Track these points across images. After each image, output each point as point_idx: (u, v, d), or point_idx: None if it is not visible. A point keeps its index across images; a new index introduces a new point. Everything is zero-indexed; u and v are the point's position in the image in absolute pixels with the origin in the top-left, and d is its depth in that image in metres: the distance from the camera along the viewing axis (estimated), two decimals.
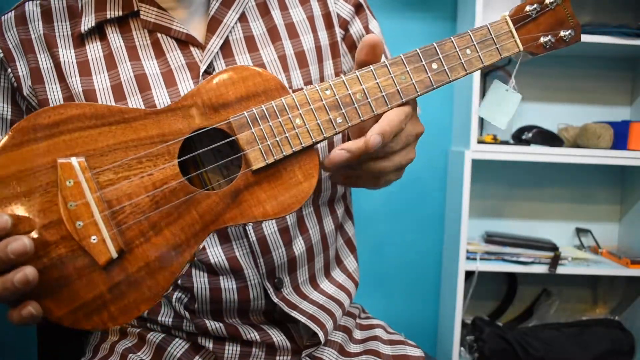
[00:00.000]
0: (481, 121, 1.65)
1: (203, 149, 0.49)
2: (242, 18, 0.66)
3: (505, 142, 1.52)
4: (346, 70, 0.73)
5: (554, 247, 1.55)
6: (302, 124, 0.47)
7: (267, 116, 0.47)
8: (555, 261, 1.46)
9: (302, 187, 0.48)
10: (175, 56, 0.63)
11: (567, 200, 1.71)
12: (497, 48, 0.52)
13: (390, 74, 0.49)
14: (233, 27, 0.65)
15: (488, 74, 1.63)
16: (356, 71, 0.49)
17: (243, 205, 0.47)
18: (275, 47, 0.66)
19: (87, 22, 0.63)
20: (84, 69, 0.63)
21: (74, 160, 0.44)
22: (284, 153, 0.47)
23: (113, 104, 0.62)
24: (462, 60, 0.51)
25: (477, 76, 1.43)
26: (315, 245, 0.69)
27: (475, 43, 0.51)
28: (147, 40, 0.63)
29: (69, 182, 0.44)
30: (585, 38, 1.42)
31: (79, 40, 0.63)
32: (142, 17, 0.63)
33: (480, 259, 1.47)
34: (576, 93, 1.68)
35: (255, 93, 0.47)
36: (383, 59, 0.50)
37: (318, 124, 0.48)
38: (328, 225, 0.71)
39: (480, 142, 1.46)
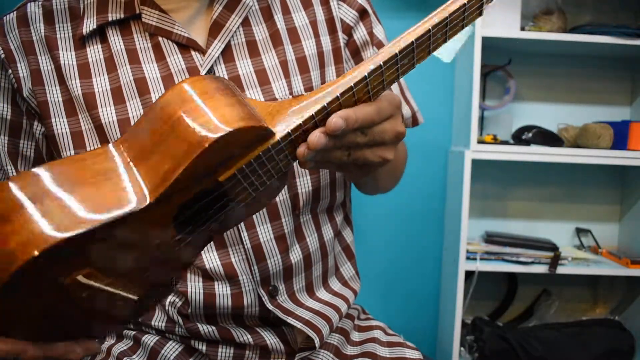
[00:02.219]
0: (481, 121, 1.65)
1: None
2: (245, 22, 0.66)
3: (505, 142, 1.52)
4: None
5: (554, 247, 1.55)
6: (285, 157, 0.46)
7: (257, 169, 0.44)
8: (555, 261, 1.46)
9: None
10: (175, 60, 0.63)
11: (567, 200, 1.71)
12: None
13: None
14: (235, 31, 0.65)
15: (488, 74, 1.63)
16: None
17: None
18: (277, 52, 0.66)
19: (89, 24, 0.63)
20: (84, 71, 0.63)
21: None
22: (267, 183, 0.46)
23: (112, 107, 0.62)
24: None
25: (477, 76, 1.43)
26: (314, 253, 0.69)
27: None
28: (148, 43, 0.63)
29: None
30: (585, 38, 1.42)
31: (80, 43, 0.63)
32: (143, 20, 0.63)
33: (480, 259, 1.47)
34: (576, 93, 1.68)
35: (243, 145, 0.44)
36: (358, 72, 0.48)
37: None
38: (327, 233, 0.71)
39: (480, 142, 1.46)
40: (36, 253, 0.36)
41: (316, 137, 0.43)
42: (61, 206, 0.38)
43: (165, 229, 0.44)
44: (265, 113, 0.44)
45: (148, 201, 0.40)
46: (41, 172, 0.39)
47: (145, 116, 0.42)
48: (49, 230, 0.36)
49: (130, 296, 0.46)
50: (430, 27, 0.44)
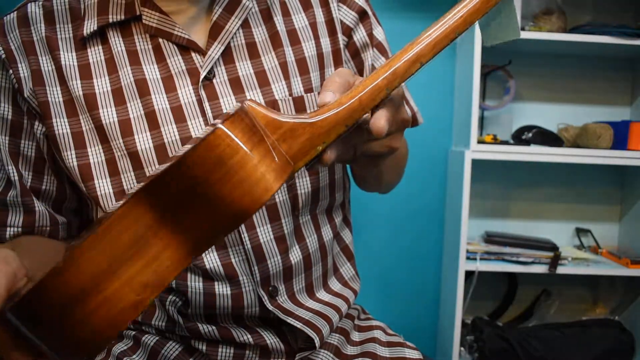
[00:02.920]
0: (481, 121, 1.66)
1: None
2: (245, 24, 0.66)
3: (505, 142, 1.52)
4: None
5: (554, 247, 1.55)
6: None
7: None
8: (555, 261, 1.46)
9: None
10: (175, 61, 0.63)
11: (567, 200, 1.71)
12: None
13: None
14: (235, 33, 0.65)
15: (488, 74, 1.63)
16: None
17: None
18: (277, 53, 0.66)
19: (89, 25, 0.63)
20: (85, 72, 0.63)
21: None
22: None
23: (113, 108, 0.62)
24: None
25: (477, 76, 1.43)
26: (313, 254, 0.69)
27: None
28: (149, 44, 0.63)
29: None
30: (585, 38, 1.42)
31: (81, 44, 0.63)
32: (144, 21, 0.63)
33: (480, 259, 1.47)
34: (576, 93, 1.69)
35: None
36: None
37: None
38: (326, 234, 0.71)
39: (480, 142, 1.46)
40: None
41: (380, 125, 0.44)
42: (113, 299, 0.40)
43: None
44: (281, 138, 0.44)
45: (186, 266, 0.41)
46: (86, 255, 0.39)
47: (169, 173, 0.39)
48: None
49: None
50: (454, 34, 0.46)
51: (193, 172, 0.39)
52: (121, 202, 0.43)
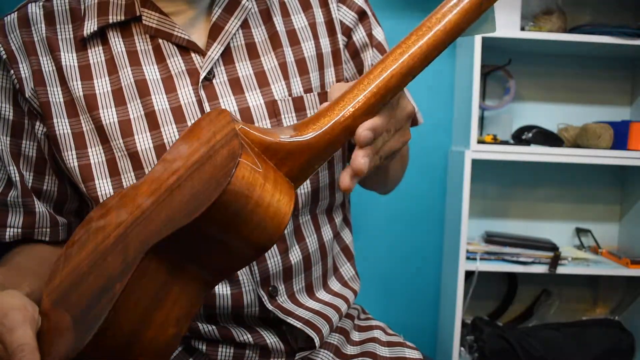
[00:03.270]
0: (481, 121, 1.66)
1: None
2: (244, 24, 0.66)
3: (505, 142, 1.52)
4: (348, 78, 0.72)
5: (554, 247, 1.55)
6: None
7: None
8: (555, 261, 1.46)
9: None
10: (175, 62, 0.63)
11: (567, 200, 1.71)
12: None
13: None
14: (235, 33, 0.65)
15: (488, 74, 1.63)
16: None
17: None
18: (276, 54, 0.66)
19: (90, 26, 0.63)
20: (85, 73, 0.63)
21: None
22: None
23: (113, 108, 0.62)
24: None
25: (477, 76, 1.43)
26: (313, 254, 0.69)
27: None
28: (149, 45, 0.63)
29: None
30: (585, 38, 1.42)
31: (81, 44, 0.64)
32: (144, 22, 0.63)
33: (480, 259, 1.47)
34: (576, 93, 1.69)
35: None
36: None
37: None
38: (326, 233, 0.71)
39: (480, 142, 1.46)
40: None
41: (359, 166, 0.43)
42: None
43: None
44: (280, 162, 0.44)
45: (208, 290, 0.45)
46: (120, 317, 0.41)
47: (186, 230, 0.39)
48: None
49: None
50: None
51: (208, 229, 0.39)
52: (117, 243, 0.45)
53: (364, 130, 0.44)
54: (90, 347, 0.40)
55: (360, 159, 0.43)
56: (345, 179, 0.44)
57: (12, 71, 0.63)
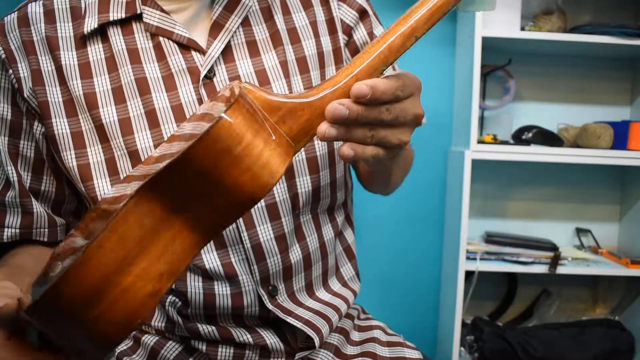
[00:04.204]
0: (481, 121, 1.66)
1: None
2: (245, 22, 0.66)
3: (505, 142, 1.52)
4: None
5: (554, 247, 1.55)
6: None
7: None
8: (555, 261, 1.46)
9: None
10: (176, 60, 0.63)
11: (567, 200, 1.71)
12: None
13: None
14: (235, 31, 0.65)
15: (488, 74, 1.63)
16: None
17: None
18: (277, 52, 0.66)
19: (90, 23, 0.63)
20: (85, 71, 0.63)
21: None
22: None
23: (113, 106, 0.62)
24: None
25: (477, 76, 1.43)
26: (313, 253, 0.69)
27: None
28: (149, 43, 0.63)
29: None
30: (585, 38, 1.42)
31: (81, 42, 0.63)
32: (144, 20, 0.63)
33: (480, 259, 1.47)
34: (576, 93, 1.68)
35: None
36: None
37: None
38: (327, 233, 0.71)
39: (480, 142, 1.46)
40: None
41: (334, 108, 0.42)
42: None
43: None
44: (281, 120, 0.44)
45: (197, 252, 0.42)
46: (99, 252, 0.39)
47: (176, 165, 0.39)
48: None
49: None
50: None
51: (199, 164, 0.39)
52: (117, 191, 0.43)
53: (360, 83, 0.42)
54: (60, 286, 0.37)
55: (333, 104, 0.42)
56: (321, 127, 0.43)
57: (10, 71, 0.63)
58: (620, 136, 1.49)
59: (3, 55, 0.63)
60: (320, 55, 0.68)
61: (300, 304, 0.68)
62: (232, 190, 0.39)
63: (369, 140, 0.45)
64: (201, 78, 0.62)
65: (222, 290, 0.63)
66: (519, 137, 1.54)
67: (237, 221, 0.62)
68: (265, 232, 0.63)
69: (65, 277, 0.37)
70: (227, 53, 0.64)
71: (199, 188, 0.40)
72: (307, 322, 0.65)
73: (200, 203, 0.40)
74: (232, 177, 0.39)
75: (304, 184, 0.66)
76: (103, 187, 0.62)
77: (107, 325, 0.38)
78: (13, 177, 0.65)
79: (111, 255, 0.39)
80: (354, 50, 0.72)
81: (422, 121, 0.78)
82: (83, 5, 0.64)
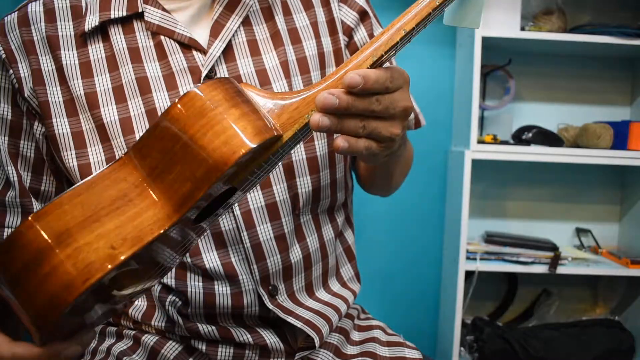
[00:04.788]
0: (481, 121, 1.66)
1: None
2: (246, 22, 0.66)
3: (505, 142, 1.52)
4: None
5: (554, 247, 1.55)
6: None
7: (267, 167, 0.46)
8: (555, 261, 1.46)
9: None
10: (177, 59, 0.63)
11: (567, 200, 1.71)
12: None
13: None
14: (236, 31, 0.65)
15: (488, 74, 1.63)
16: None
17: None
18: (278, 52, 0.66)
19: (91, 21, 0.63)
20: (86, 70, 0.63)
21: None
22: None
23: (114, 106, 0.62)
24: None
25: (477, 76, 1.43)
26: (314, 253, 0.69)
27: None
28: (150, 42, 0.63)
29: None
30: (585, 38, 1.42)
31: (82, 40, 0.63)
32: (146, 18, 0.63)
33: (480, 259, 1.47)
34: (576, 93, 1.68)
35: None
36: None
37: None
38: (327, 233, 0.71)
39: (480, 142, 1.46)
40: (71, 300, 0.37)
41: (324, 97, 0.43)
42: (90, 245, 0.39)
43: (184, 229, 0.45)
44: (270, 112, 0.45)
45: (170, 224, 0.41)
46: (63, 207, 0.39)
47: (153, 132, 0.41)
48: (83, 273, 0.38)
49: (153, 283, 0.49)
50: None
51: (175, 125, 0.40)
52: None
53: (353, 73, 0.43)
54: (22, 230, 0.37)
55: (323, 94, 0.43)
56: (314, 117, 0.43)
57: (11, 71, 0.62)
58: (620, 136, 1.49)
59: (3, 55, 0.63)
60: (321, 55, 0.68)
61: (300, 304, 0.68)
62: (203, 152, 0.40)
63: (360, 132, 0.46)
64: (202, 77, 0.62)
65: (222, 290, 0.63)
66: (519, 137, 1.54)
67: (237, 220, 0.62)
68: (265, 232, 0.63)
69: (25, 226, 0.38)
70: (228, 52, 0.64)
71: (174, 151, 0.40)
72: (307, 322, 0.65)
73: (174, 168, 0.41)
74: (204, 138, 0.40)
75: (304, 184, 0.66)
76: None
77: (55, 285, 0.37)
78: (13, 177, 0.65)
79: (77, 210, 0.39)
80: (354, 51, 0.72)
81: (422, 122, 0.79)
82: (84, 4, 0.64)
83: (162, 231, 0.40)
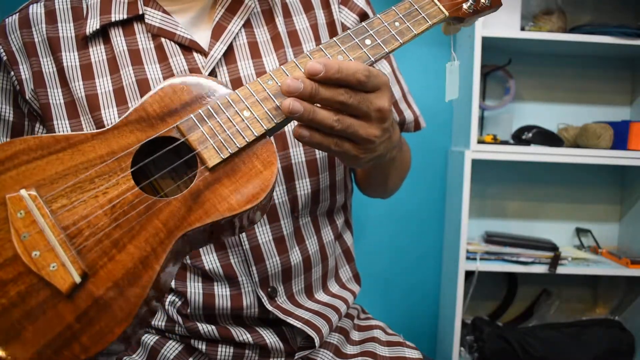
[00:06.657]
0: (481, 121, 1.66)
1: (155, 158, 0.48)
2: (247, 24, 0.66)
3: (505, 142, 1.52)
4: None
5: (554, 247, 1.55)
6: (250, 115, 0.48)
7: (214, 114, 0.48)
8: (555, 261, 1.46)
9: (264, 176, 0.47)
10: (178, 61, 0.63)
11: (567, 200, 1.71)
12: (423, 17, 0.55)
13: (326, 55, 0.51)
14: (237, 33, 0.65)
15: (488, 74, 1.63)
16: (294, 58, 0.50)
17: (206, 204, 0.46)
18: (278, 54, 0.66)
19: (92, 24, 0.63)
20: (87, 72, 0.63)
21: (22, 192, 0.43)
22: (238, 145, 0.47)
23: (114, 108, 0.62)
24: (393, 32, 0.53)
25: (477, 76, 1.43)
26: (313, 255, 0.69)
27: (401, 16, 0.54)
28: (151, 44, 0.63)
29: (20, 213, 0.42)
30: (585, 38, 1.42)
31: (83, 43, 0.63)
32: (146, 21, 0.63)
33: (480, 259, 1.47)
34: (576, 93, 1.68)
35: (199, 97, 0.48)
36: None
37: (266, 112, 0.48)
38: (327, 235, 0.71)
39: (480, 142, 1.46)
40: None
41: (289, 81, 0.46)
42: None
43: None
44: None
45: None
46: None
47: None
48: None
49: None
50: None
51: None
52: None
53: (315, 61, 0.46)
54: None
55: (289, 78, 0.47)
56: (286, 102, 0.46)
57: (12, 72, 0.63)
58: (620, 136, 1.49)
59: (4, 57, 0.63)
60: None
61: (299, 305, 0.68)
62: None
63: (335, 125, 0.47)
64: None
65: (221, 291, 0.63)
66: (519, 137, 1.54)
67: None
68: (264, 234, 0.64)
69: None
70: (228, 55, 0.64)
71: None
72: (307, 322, 0.66)
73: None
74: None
75: (303, 186, 0.66)
76: None
77: None
78: None
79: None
80: None
81: (422, 124, 0.79)
82: (84, 6, 0.64)
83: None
